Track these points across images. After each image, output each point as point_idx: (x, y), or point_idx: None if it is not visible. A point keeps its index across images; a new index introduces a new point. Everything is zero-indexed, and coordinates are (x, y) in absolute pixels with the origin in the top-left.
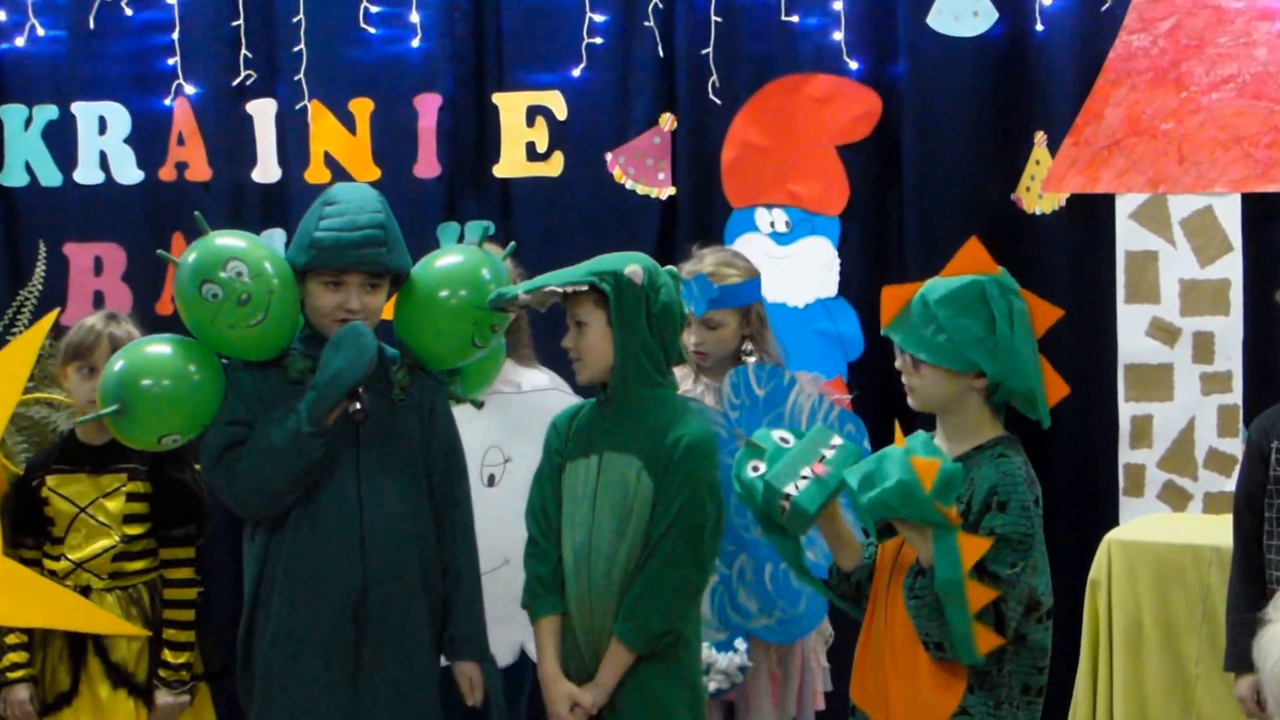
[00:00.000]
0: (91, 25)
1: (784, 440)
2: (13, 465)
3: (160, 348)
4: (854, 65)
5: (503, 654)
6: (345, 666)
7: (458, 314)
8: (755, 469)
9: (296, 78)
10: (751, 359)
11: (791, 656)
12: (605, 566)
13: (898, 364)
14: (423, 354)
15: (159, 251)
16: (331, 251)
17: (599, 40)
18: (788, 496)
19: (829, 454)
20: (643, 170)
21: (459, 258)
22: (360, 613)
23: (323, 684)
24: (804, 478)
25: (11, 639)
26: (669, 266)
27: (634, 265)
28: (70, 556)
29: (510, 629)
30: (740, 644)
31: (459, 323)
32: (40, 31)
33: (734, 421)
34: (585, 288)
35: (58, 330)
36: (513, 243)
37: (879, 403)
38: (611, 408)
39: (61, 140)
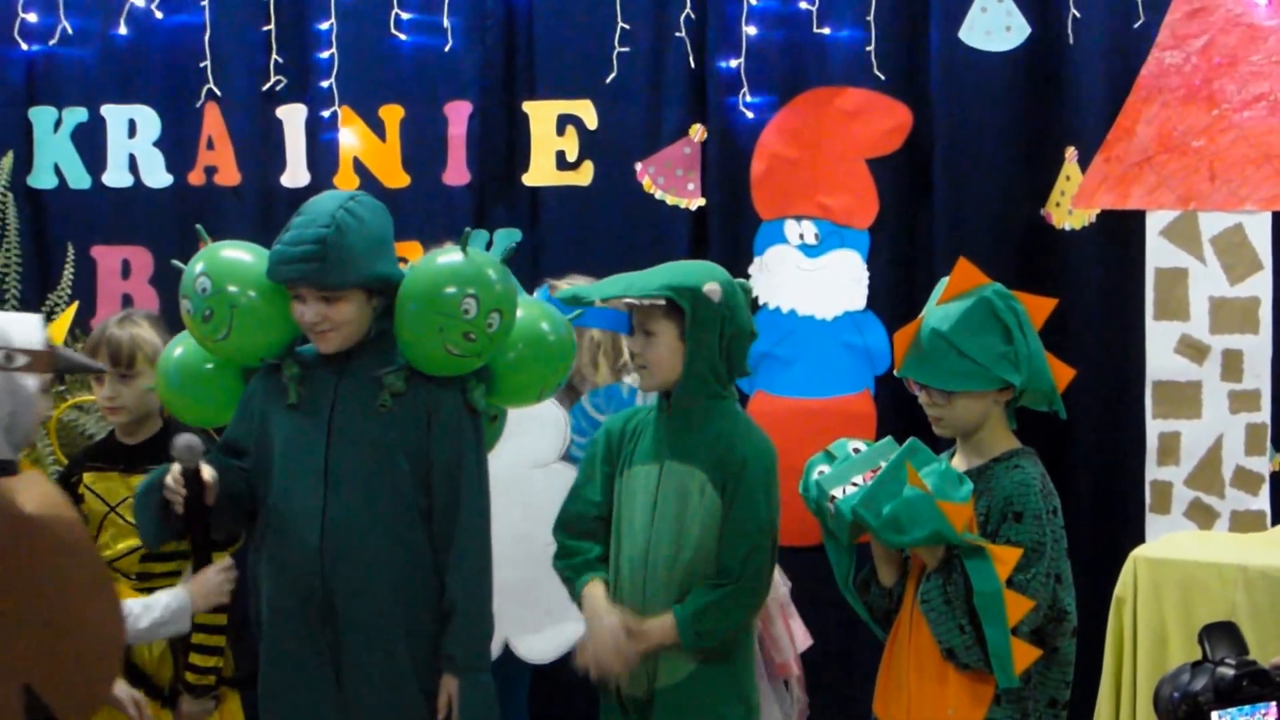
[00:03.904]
0: (122, 28)
1: (856, 450)
2: (43, 469)
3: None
4: (885, 78)
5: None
6: (326, 673)
7: (419, 320)
8: (820, 473)
9: (327, 83)
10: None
11: None
12: (665, 577)
13: (921, 400)
14: (411, 359)
15: (173, 261)
16: (275, 266)
17: (630, 50)
18: (833, 499)
19: (885, 465)
20: (672, 180)
21: (430, 265)
22: (332, 620)
23: (304, 691)
24: (853, 484)
25: None
26: (741, 279)
27: (713, 283)
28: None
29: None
30: None
31: (424, 329)
32: (71, 33)
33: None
34: (663, 301)
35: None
36: (511, 245)
37: (906, 417)
38: (673, 417)
39: (91, 143)
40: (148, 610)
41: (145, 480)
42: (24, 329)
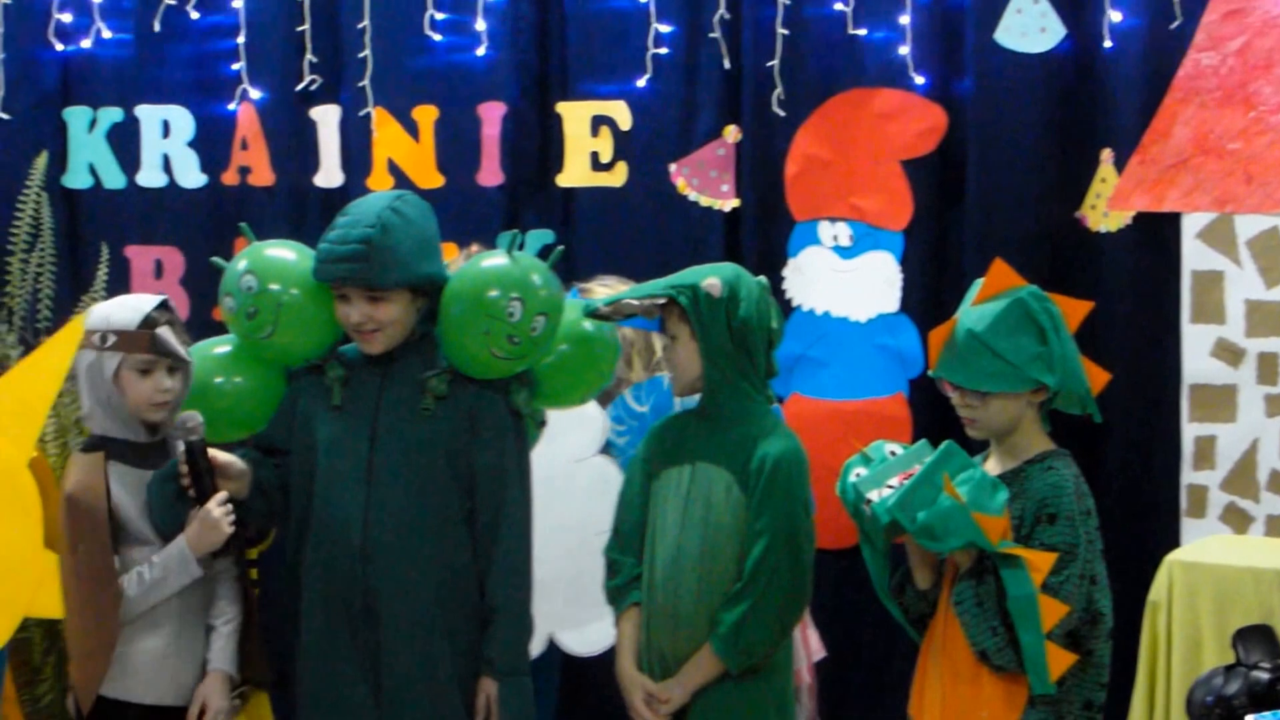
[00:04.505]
0: (157, 28)
1: (893, 453)
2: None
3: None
4: (920, 80)
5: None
6: (364, 674)
7: (464, 323)
8: (857, 475)
9: (361, 84)
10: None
11: None
12: (694, 579)
13: (954, 400)
14: (455, 362)
15: (214, 259)
16: (321, 265)
17: (664, 50)
18: (868, 502)
19: (920, 468)
20: (706, 182)
21: (476, 267)
22: (372, 621)
23: (342, 691)
24: (889, 486)
25: None
26: (760, 277)
27: (712, 278)
28: None
29: (539, 621)
30: None
31: (469, 332)
32: (106, 34)
33: (622, 448)
34: (663, 300)
35: None
36: (559, 248)
37: (940, 420)
38: (705, 419)
39: (125, 143)
40: (141, 578)
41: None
42: (123, 310)
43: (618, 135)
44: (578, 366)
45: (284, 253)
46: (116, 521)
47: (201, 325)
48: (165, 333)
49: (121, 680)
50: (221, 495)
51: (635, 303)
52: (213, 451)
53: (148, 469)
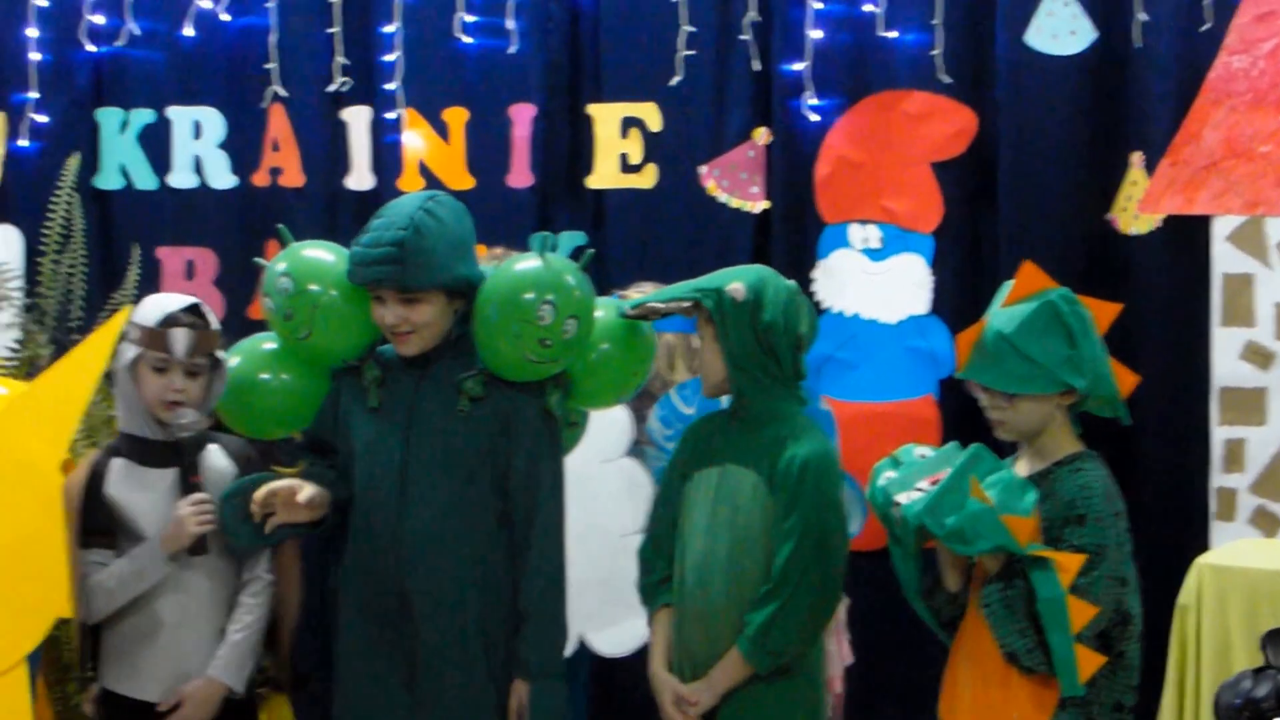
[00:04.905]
0: (189, 30)
1: (922, 456)
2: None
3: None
4: (950, 82)
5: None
6: (399, 674)
7: (496, 326)
8: (887, 479)
9: (392, 86)
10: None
11: None
12: (724, 581)
13: (983, 402)
14: (489, 364)
15: (255, 259)
16: (354, 267)
17: (694, 52)
18: (897, 504)
19: (949, 470)
20: (736, 183)
21: (509, 270)
22: (408, 622)
23: (379, 687)
24: (918, 489)
25: None
26: (790, 282)
27: (736, 282)
28: None
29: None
30: None
31: (501, 335)
32: (137, 35)
33: (670, 452)
34: (689, 303)
35: None
36: (590, 251)
37: (970, 422)
38: (737, 420)
39: (157, 144)
40: (120, 570)
41: (229, 487)
42: (153, 307)
43: (648, 137)
44: (613, 366)
45: (321, 254)
46: (115, 518)
47: (237, 325)
48: (177, 334)
49: (127, 678)
50: (194, 496)
51: (661, 306)
52: (291, 482)
53: (154, 468)
